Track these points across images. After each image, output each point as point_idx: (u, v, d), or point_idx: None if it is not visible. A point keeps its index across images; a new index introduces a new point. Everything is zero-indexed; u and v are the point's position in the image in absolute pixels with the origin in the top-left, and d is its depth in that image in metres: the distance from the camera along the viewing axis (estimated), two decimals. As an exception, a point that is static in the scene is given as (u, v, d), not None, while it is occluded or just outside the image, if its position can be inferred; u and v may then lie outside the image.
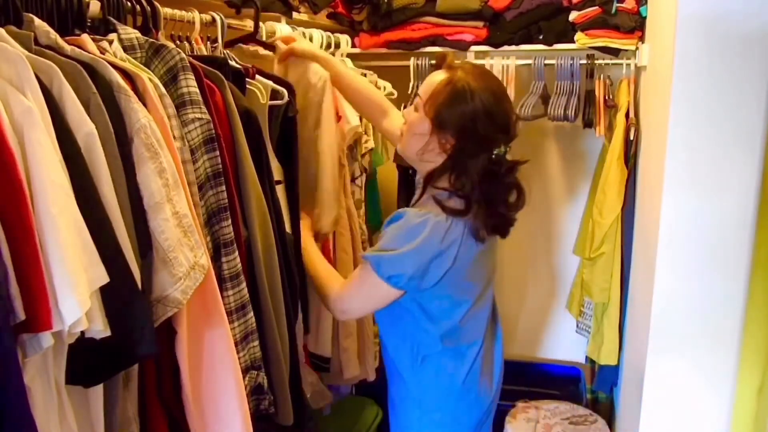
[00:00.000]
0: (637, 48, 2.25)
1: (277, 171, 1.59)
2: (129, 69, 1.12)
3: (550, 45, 2.40)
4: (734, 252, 1.42)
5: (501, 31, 2.45)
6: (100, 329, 0.95)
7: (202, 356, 1.21)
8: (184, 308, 1.12)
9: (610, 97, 2.35)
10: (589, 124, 2.40)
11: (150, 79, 1.14)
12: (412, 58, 2.47)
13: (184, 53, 1.24)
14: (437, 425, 1.63)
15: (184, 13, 1.46)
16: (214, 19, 1.57)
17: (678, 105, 1.41)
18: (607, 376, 2.43)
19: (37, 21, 1.06)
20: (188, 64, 1.23)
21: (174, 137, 1.16)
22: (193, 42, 1.52)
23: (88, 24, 1.21)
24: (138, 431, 1.16)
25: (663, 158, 1.46)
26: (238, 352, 1.28)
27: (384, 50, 2.56)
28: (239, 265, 1.30)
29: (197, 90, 1.23)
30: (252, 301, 1.34)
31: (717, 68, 1.37)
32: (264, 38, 1.79)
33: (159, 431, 1.21)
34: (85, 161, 0.97)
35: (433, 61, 2.44)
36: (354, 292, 1.53)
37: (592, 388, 2.64)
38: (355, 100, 1.86)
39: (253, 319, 1.34)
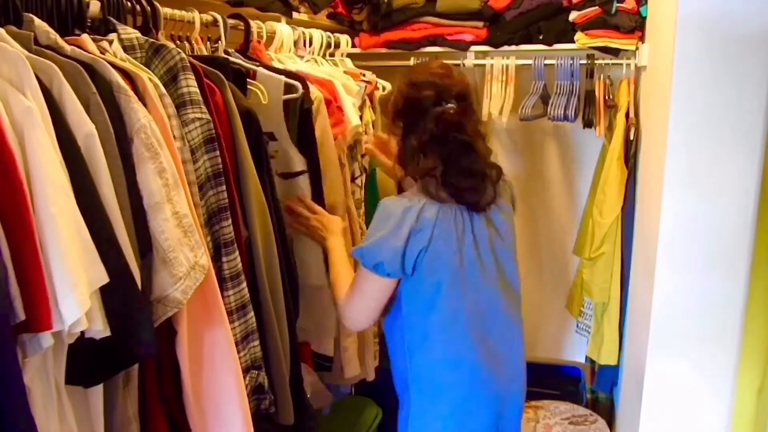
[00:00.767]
0: (637, 48, 2.25)
1: (299, 162, 1.60)
2: (129, 69, 1.12)
3: (550, 45, 2.40)
4: (734, 252, 1.42)
5: (501, 31, 2.45)
6: (100, 329, 0.95)
7: (203, 356, 1.21)
8: (184, 308, 1.12)
9: (610, 97, 2.35)
10: (589, 124, 2.40)
11: (150, 79, 1.14)
12: (412, 58, 2.47)
13: (184, 53, 1.24)
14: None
15: (184, 13, 1.46)
16: (214, 20, 1.57)
17: (678, 105, 1.41)
18: (607, 376, 2.43)
19: (37, 21, 1.06)
20: (188, 64, 1.23)
21: (174, 137, 1.16)
22: (193, 42, 1.52)
23: (88, 24, 1.21)
24: (138, 431, 1.16)
25: (663, 158, 1.46)
26: (238, 352, 1.28)
27: (384, 50, 2.56)
28: (239, 265, 1.30)
29: (197, 90, 1.23)
30: (252, 301, 1.34)
31: (717, 68, 1.37)
32: (264, 38, 1.79)
33: (159, 431, 1.21)
34: (85, 161, 0.97)
35: (433, 61, 2.46)
36: (353, 295, 1.53)
37: (592, 388, 2.64)
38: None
39: (254, 319, 1.34)
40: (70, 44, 1.08)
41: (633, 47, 2.26)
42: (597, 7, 2.26)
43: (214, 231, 1.27)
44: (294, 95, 1.57)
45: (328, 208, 1.75)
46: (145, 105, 1.10)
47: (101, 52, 1.13)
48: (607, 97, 2.34)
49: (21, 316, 0.85)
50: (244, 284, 1.32)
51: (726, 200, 1.41)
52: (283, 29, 1.89)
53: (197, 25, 1.50)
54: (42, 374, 0.94)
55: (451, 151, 1.46)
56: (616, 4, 2.22)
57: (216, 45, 1.59)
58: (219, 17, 1.57)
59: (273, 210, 1.45)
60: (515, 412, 1.63)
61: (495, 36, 2.45)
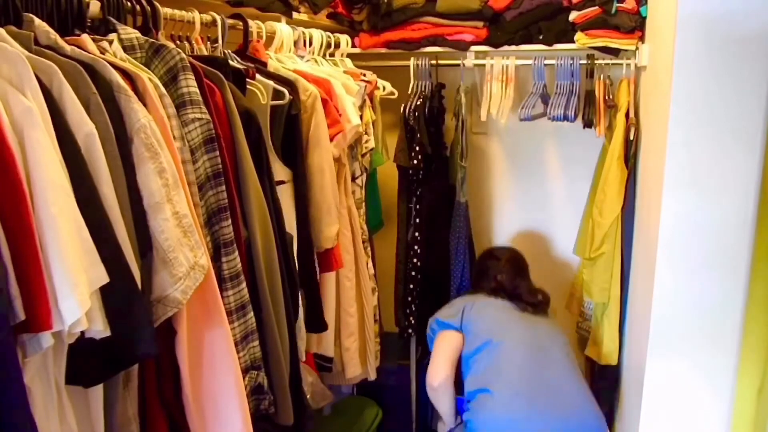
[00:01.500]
0: (637, 48, 2.25)
1: (281, 171, 1.60)
2: (129, 69, 1.12)
3: (550, 45, 2.40)
4: (734, 252, 1.42)
5: (501, 31, 2.44)
6: (100, 329, 0.95)
7: (202, 356, 1.21)
8: (184, 308, 1.12)
9: (610, 97, 2.35)
10: (589, 124, 2.39)
11: (150, 79, 1.14)
12: (412, 58, 2.47)
13: (184, 53, 1.24)
14: None
15: (184, 13, 1.46)
16: (214, 20, 1.57)
17: (678, 105, 1.41)
18: (607, 376, 2.42)
19: (37, 21, 1.06)
20: (188, 64, 1.23)
21: (174, 137, 1.16)
22: (193, 42, 1.52)
23: (88, 24, 1.21)
24: (138, 431, 1.16)
25: (663, 158, 1.46)
26: (238, 352, 1.28)
27: (384, 50, 2.56)
28: (239, 265, 1.30)
29: (197, 90, 1.23)
30: (252, 301, 1.34)
31: (717, 68, 1.37)
32: (264, 38, 1.79)
33: (159, 431, 1.21)
34: (85, 161, 0.97)
35: (433, 62, 2.46)
36: (433, 359, 2.07)
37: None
38: None
39: (253, 319, 1.34)
40: (70, 44, 1.08)
41: (633, 47, 2.25)
42: (597, 7, 2.25)
43: (214, 231, 1.27)
44: (281, 102, 1.56)
45: (318, 209, 1.74)
46: (145, 105, 1.10)
47: (101, 52, 1.13)
48: (607, 97, 2.34)
49: (21, 316, 0.85)
50: (244, 284, 1.32)
51: (726, 200, 1.41)
52: (283, 29, 1.89)
53: (197, 25, 1.50)
54: (42, 374, 0.94)
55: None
56: (616, 4, 2.21)
57: (216, 45, 1.59)
58: (218, 17, 1.57)
59: (273, 210, 1.44)
60: None
61: (495, 36, 2.45)
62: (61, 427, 0.97)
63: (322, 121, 1.73)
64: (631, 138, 2.13)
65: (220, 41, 1.59)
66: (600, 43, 2.28)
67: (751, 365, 1.47)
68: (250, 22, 1.71)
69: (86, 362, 0.99)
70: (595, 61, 2.34)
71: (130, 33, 1.24)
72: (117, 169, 1.03)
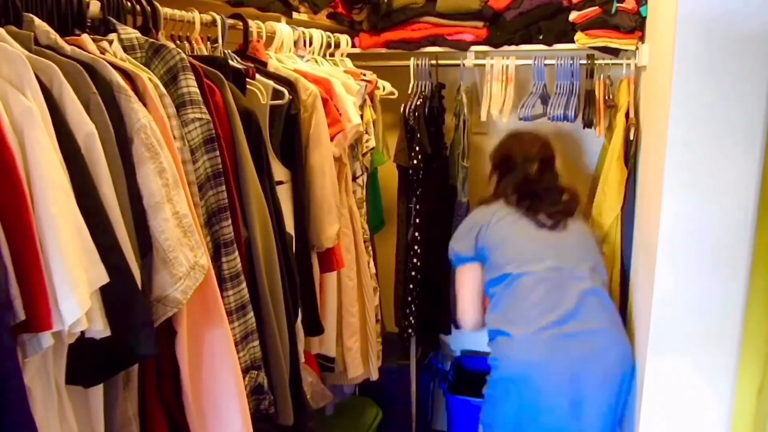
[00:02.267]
0: (637, 48, 2.25)
1: (279, 172, 1.60)
2: (129, 69, 1.12)
3: (550, 45, 2.40)
4: (734, 252, 1.42)
5: (501, 31, 2.44)
6: (100, 329, 0.95)
7: (202, 356, 1.21)
8: (184, 308, 1.12)
9: (610, 97, 2.35)
10: (589, 124, 2.39)
11: (150, 79, 1.14)
12: (412, 58, 2.47)
13: (184, 53, 1.24)
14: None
15: (184, 13, 1.46)
16: (214, 20, 1.57)
17: (678, 105, 1.41)
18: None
19: (37, 21, 1.06)
20: (188, 64, 1.23)
21: (174, 137, 1.16)
22: (193, 42, 1.52)
23: (88, 24, 1.21)
24: (138, 431, 1.16)
25: (663, 158, 1.46)
26: (238, 352, 1.28)
27: (384, 50, 2.56)
28: (239, 265, 1.30)
29: (197, 90, 1.23)
30: (252, 301, 1.34)
31: (717, 68, 1.37)
32: (264, 38, 1.79)
33: (159, 431, 1.21)
34: (85, 161, 0.97)
35: (433, 62, 2.46)
36: (460, 297, 2.04)
37: (592, 388, 2.64)
38: None
39: (253, 319, 1.34)
40: (70, 44, 1.08)
41: (633, 47, 2.25)
42: (597, 7, 2.25)
43: (214, 231, 1.27)
44: (280, 101, 1.56)
45: (318, 208, 1.74)
46: (145, 105, 1.10)
47: (101, 52, 1.13)
48: (607, 97, 2.34)
49: (21, 316, 0.85)
50: (244, 284, 1.32)
51: (726, 200, 1.41)
52: (283, 29, 1.89)
53: (197, 25, 1.50)
54: (42, 374, 0.94)
55: (537, 195, 2.06)
56: (616, 4, 2.21)
57: (216, 45, 1.59)
58: (218, 17, 1.57)
59: (273, 210, 1.44)
60: None
61: (495, 36, 2.45)
62: (61, 427, 0.97)
63: (322, 121, 1.73)
64: (631, 138, 2.12)
65: (220, 41, 1.59)
66: (600, 43, 2.28)
67: (751, 365, 1.47)
68: (250, 22, 1.71)
69: (86, 362, 0.99)
70: (595, 61, 2.34)
71: (130, 33, 1.24)
72: (117, 169, 1.03)
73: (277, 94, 1.57)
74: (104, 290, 0.95)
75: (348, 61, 2.33)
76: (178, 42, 1.48)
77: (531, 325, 1.80)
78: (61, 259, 0.87)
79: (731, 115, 1.38)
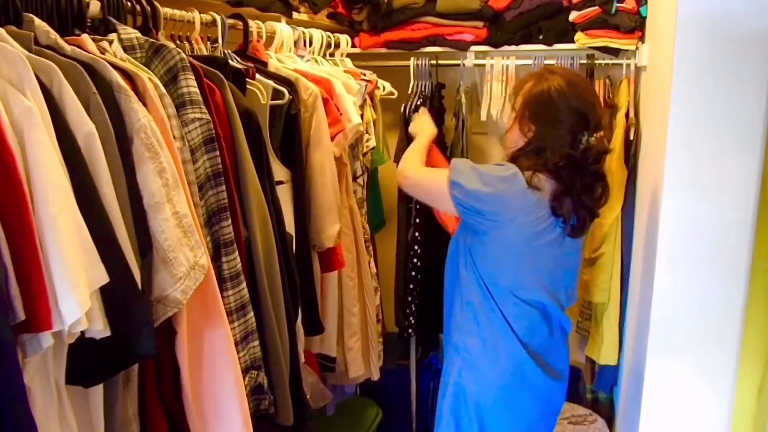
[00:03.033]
0: (637, 48, 2.25)
1: (279, 172, 1.60)
2: (129, 69, 1.12)
3: (550, 45, 2.40)
4: (734, 252, 1.42)
5: (501, 31, 2.45)
6: (100, 329, 0.95)
7: (202, 356, 1.21)
8: (184, 308, 1.12)
9: (610, 97, 2.35)
10: (589, 124, 2.39)
11: (150, 79, 1.14)
12: (412, 58, 2.47)
13: (184, 53, 1.24)
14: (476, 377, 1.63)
15: (184, 13, 1.46)
16: (214, 20, 1.57)
17: (678, 105, 1.41)
18: (607, 376, 2.43)
19: (37, 21, 1.06)
20: (188, 64, 1.23)
21: (174, 137, 1.16)
22: (193, 42, 1.52)
23: (88, 24, 1.21)
24: (138, 431, 1.16)
25: (663, 158, 1.46)
26: (238, 352, 1.28)
27: (384, 50, 2.56)
28: (239, 265, 1.30)
29: (197, 90, 1.23)
30: (252, 301, 1.34)
31: (717, 68, 1.37)
32: (264, 38, 1.79)
33: (159, 431, 1.21)
34: (85, 161, 0.97)
35: (433, 62, 2.46)
36: (424, 172, 1.67)
37: (592, 387, 2.64)
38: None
39: (253, 319, 1.34)
40: (70, 44, 1.08)
41: (633, 47, 2.26)
42: (597, 7, 2.26)
43: (214, 231, 1.27)
44: (280, 101, 1.56)
45: (319, 207, 1.74)
46: (145, 105, 1.10)
47: (101, 52, 1.13)
48: (607, 97, 2.34)
49: (21, 316, 0.85)
50: (244, 284, 1.32)
51: (726, 200, 1.41)
52: (283, 29, 1.89)
53: (197, 25, 1.50)
54: (42, 374, 0.94)
55: (582, 180, 1.55)
56: (616, 4, 2.21)
57: (216, 45, 1.59)
58: (218, 17, 1.57)
59: (273, 210, 1.44)
60: None
61: (495, 36, 2.45)
62: (61, 427, 0.97)
63: (323, 120, 1.73)
64: (631, 138, 2.13)
65: (220, 41, 1.59)
66: (600, 43, 2.28)
67: (751, 365, 1.47)
68: (250, 22, 1.71)
69: (86, 362, 0.99)
70: (595, 61, 2.34)
71: (130, 33, 1.24)
72: (117, 169, 1.03)
73: (277, 94, 1.57)
74: (104, 290, 0.95)
75: (348, 61, 2.33)
76: (178, 42, 1.48)
77: None
78: (61, 259, 0.87)
79: (731, 115, 1.38)
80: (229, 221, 1.28)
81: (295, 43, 1.98)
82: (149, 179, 1.07)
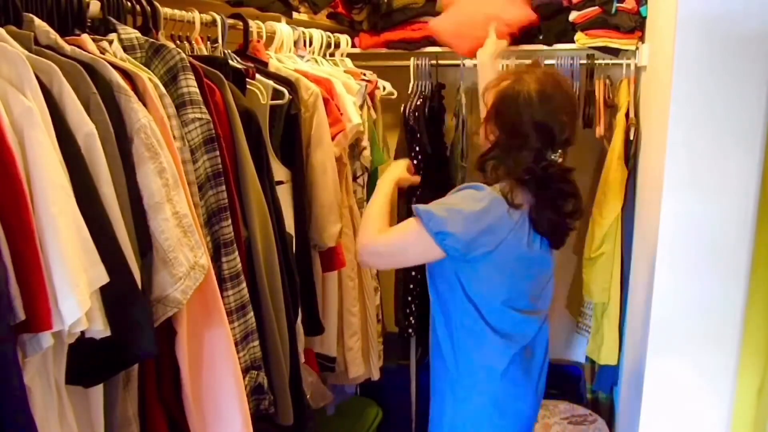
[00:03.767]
0: (637, 48, 2.25)
1: (279, 172, 1.60)
2: (129, 69, 1.12)
3: (550, 45, 2.40)
4: (734, 252, 1.42)
5: (501, 31, 2.44)
6: (100, 329, 0.95)
7: (202, 356, 1.21)
8: (184, 308, 1.12)
9: (610, 97, 2.35)
10: (589, 124, 2.40)
11: (150, 79, 1.14)
12: (412, 58, 2.47)
13: (184, 53, 1.24)
14: (473, 412, 1.57)
15: (184, 13, 1.46)
16: (214, 20, 1.57)
17: (678, 105, 1.41)
18: (607, 376, 2.43)
19: (37, 21, 1.06)
20: (188, 64, 1.23)
21: (174, 137, 1.16)
22: (193, 42, 1.52)
23: (88, 24, 1.21)
24: (138, 431, 1.16)
25: (663, 158, 1.46)
26: (238, 352, 1.28)
27: (384, 50, 2.56)
28: (239, 265, 1.30)
29: (197, 90, 1.23)
30: (252, 301, 1.34)
31: (717, 68, 1.37)
32: (264, 38, 1.79)
33: (159, 431, 1.21)
34: (85, 161, 0.97)
35: (433, 62, 2.46)
36: (394, 238, 1.47)
37: (592, 387, 2.64)
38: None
39: (253, 319, 1.34)
40: (70, 44, 1.08)
41: (633, 47, 2.26)
42: (597, 7, 2.26)
43: (214, 231, 1.27)
44: (280, 101, 1.56)
45: (320, 207, 1.74)
46: (145, 105, 1.10)
47: (101, 52, 1.13)
48: (607, 97, 2.34)
49: (21, 316, 0.85)
50: (244, 284, 1.32)
51: (726, 200, 1.41)
52: (283, 29, 1.89)
53: (197, 25, 1.50)
54: (42, 374, 0.94)
55: (549, 197, 1.50)
56: (616, 4, 2.21)
57: (216, 45, 1.59)
58: (218, 17, 1.57)
59: (273, 210, 1.44)
60: None
61: (495, 36, 2.45)
62: (61, 427, 0.97)
63: (324, 120, 1.73)
64: (631, 138, 2.13)
65: (220, 41, 1.59)
66: (600, 43, 2.28)
67: (751, 365, 1.47)
68: (250, 22, 1.71)
69: (86, 362, 0.99)
70: (595, 61, 2.34)
71: (130, 33, 1.24)
72: (117, 168, 1.03)
73: (277, 94, 1.57)
74: (104, 290, 0.95)
75: (348, 61, 2.33)
76: (178, 42, 1.48)
77: None
78: (61, 259, 0.87)
79: (731, 115, 1.38)
80: (229, 221, 1.28)
81: (295, 43, 1.98)
82: (149, 179, 1.07)
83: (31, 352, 0.90)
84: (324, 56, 2.16)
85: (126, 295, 0.99)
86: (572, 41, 2.34)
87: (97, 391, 1.06)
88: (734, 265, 1.43)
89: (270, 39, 1.86)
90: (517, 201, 1.46)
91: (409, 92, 2.47)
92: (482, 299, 1.52)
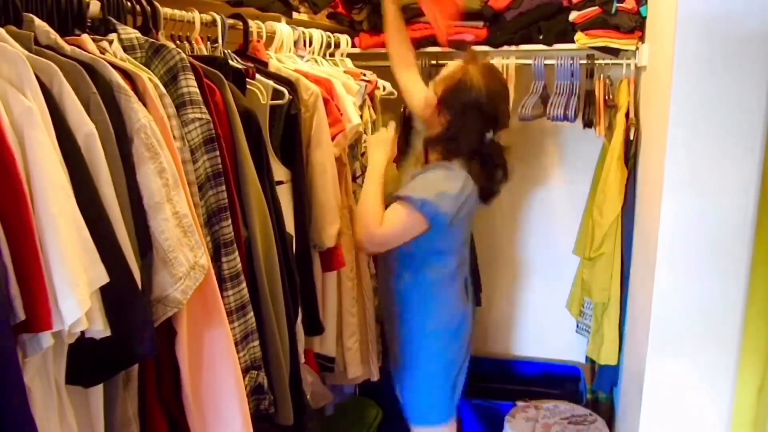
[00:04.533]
0: (637, 48, 2.25)
1: (279, 172, 1.60)
2: (129, 69, 1.12)
3: (550, 45, 2.40)
4: (734, 252, 1.42)
5: (501, 31, 2.44)
6: (100, 329, 0.95)
7: (202, 356, 1.21)
8: (184, 308, 1.12)
9: (610, 97, 2.35)
10: (589, 124, 2.40)
11: (150, 79, 1.14)
12: (412, 58, 2.46)
13: (184, 53, 1.24)
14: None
15: (184, 13, 1.46)
16: (214, 20, 1.57)
17: (678, 105, 1.41)
18: (607, 376, 2.43)
19: (37, 21, 1.06)
20: (188, 64, 1.23)
21: (174, 137, 1.16)
22: (193, 42, 1.52)
23: (88, 24, 1.21)
24: (138, 431, 1.16)
25: (663, 158, 1.46)
26: (238, 352, 1.28)
27: (384, 50, 2.56)
28: (239, 265, 1.30)
29: (197, 90, 1.23)
30: (252, 301, 1.34)
31: (717, 68, 1.37)
32: (264, 38, 1.79)
33: (159, 431, 1.21)
34: (85, 161, 0.97)
35: (433, 61, 2.46)
36: (396, 228, 1.77)
37: (592, 388, 2.64)
38: (396, 41, 2.17)
39: (253, 319, 1.34)
40: (70, 44, 1.08)
41: (633, 47, 2.26)
42: (597, 7, 2.26)
43: (214, 231, 1.27)
44: (280, 101, 1.56)
45: (320, 207, 1.74)
46: (145, 105, 1.10)
47: (101, 52, 1.13)
48: (607, 97, 2.34)
49: (21, 316, 0.85)
50: (244, 284, 1.32)
51: (726, 200, 1.41)
52: (283, 29, 1.89)
53: (197, 25, 1.50)
54: (42, 374, 0.94)
55: (487, 169, 1.82)
56: (616, 4, 2.22)
57: (216, 45, 1.59)
58: (218, 17, 1.57)
59: (273, 210, 1.44)
60: None
61: (495, 36, 2.45)
62: (61, 427, 0.97)
63: (324, 120, 1.73)
64: (631, 138, 2.13)
65: (220, 41, 1.59)
66: (600, 43, 2.28)
67: (751, 365, 1.47)
68: (250, 22, 1.71)
69: (86, 362, 0.99)
70: (595, 61, 2.34)
71: (130, 33, 1.24)
72: (117, 169, 1.03)
73: (277, 94, 1.57)
74: (104, 290, 0.95)
75: (348, 61, 2.33)
76: (178, 42, 1.47)
77: None
78: (61, 259, 0.87)
79: (731, 115, 1.38)
80: (229, 221, 1.28)
81: (295, 43, 1.98)
82: (149, 179, 1.07)
83: (31, 352, 0.90)
84: (324, 56, 2.16)
85: (126, 295, 0.99)
86: (572, 41, 2.35)
87: (97, 391, 1.06)
88: (734, 265, 1.43)
89: (270, 39, 1.86)
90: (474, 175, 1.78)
91: (409, 92, 2.47)
92: (444, 243, 1.88)
